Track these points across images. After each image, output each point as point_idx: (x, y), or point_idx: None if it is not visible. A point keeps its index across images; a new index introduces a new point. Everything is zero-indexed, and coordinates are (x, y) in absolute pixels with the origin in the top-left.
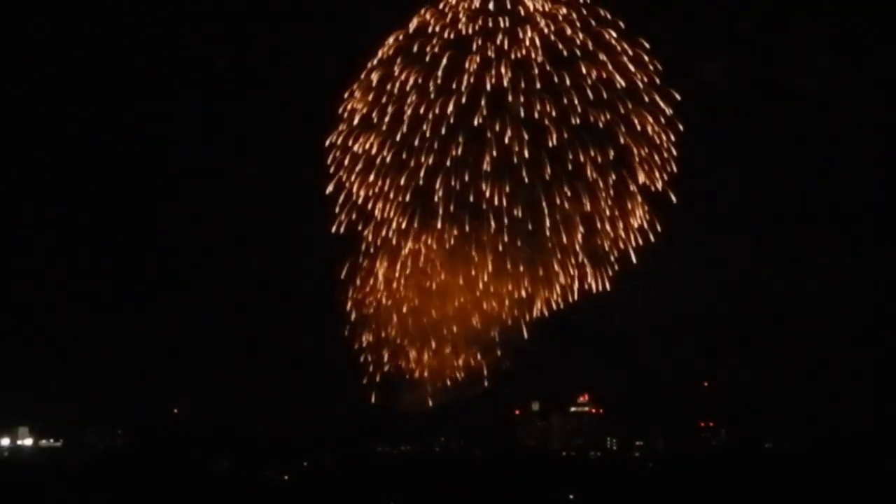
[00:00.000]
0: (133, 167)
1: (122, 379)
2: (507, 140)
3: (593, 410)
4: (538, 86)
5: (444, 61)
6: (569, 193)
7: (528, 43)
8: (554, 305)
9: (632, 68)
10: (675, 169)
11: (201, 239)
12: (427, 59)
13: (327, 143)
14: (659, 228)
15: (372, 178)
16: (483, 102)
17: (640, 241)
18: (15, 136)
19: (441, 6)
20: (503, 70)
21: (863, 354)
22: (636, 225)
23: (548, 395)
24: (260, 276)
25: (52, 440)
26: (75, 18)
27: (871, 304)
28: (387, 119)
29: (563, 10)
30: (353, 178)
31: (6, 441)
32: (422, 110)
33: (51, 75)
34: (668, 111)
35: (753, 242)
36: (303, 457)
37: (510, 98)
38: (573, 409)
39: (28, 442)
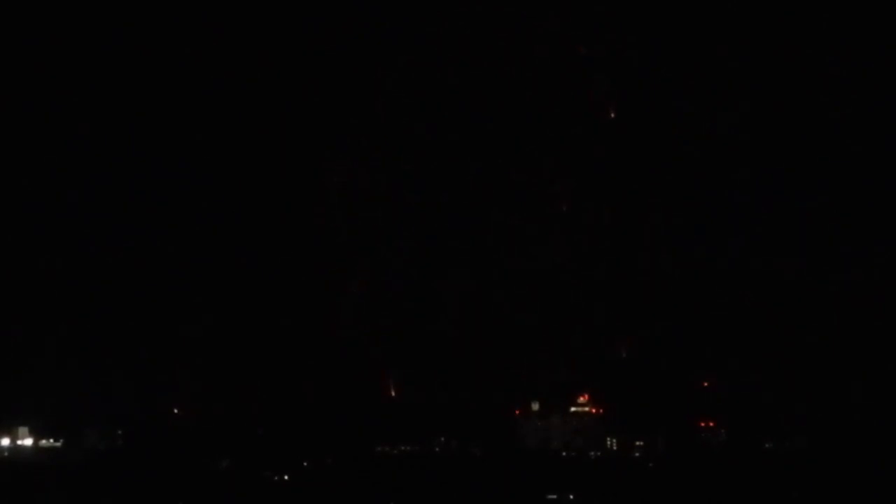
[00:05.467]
0: (135, 167)
1: (122, 379)
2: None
3: (593, 410)
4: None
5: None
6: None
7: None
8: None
9: None
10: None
11: (201, 240)
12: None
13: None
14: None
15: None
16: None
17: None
18: (16, 136)
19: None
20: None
21: (863, 354)
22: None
23: (548, 395)
24: (260, 275)
25: (52, 440)
26: (73, 18)
27: (872, 304)
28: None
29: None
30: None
31: (6, 441)
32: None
33: (47, 75)
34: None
35: (753, 241)
36: (303, 457)
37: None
38: (573, 409)
39: (28, 442)
